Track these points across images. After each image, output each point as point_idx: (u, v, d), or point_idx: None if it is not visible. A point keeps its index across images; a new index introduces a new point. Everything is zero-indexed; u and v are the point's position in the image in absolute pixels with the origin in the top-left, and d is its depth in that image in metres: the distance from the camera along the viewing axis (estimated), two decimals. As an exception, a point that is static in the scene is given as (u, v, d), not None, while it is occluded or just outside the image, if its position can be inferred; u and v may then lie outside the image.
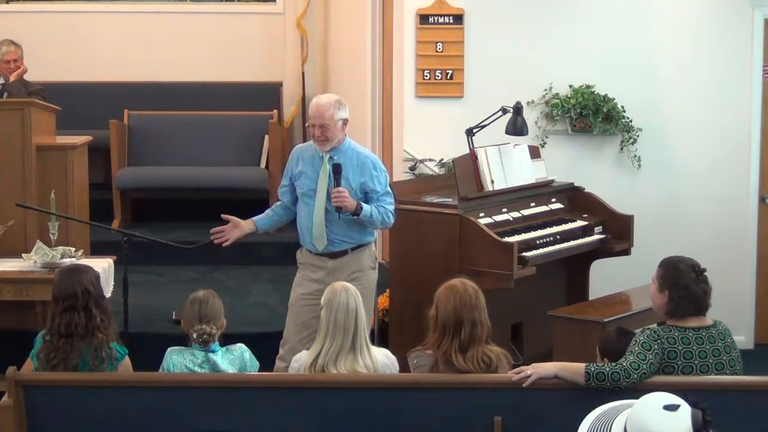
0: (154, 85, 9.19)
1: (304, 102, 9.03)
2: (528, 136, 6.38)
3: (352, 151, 5.40)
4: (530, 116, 6.70)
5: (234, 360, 4.54)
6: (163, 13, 9.49)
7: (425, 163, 6.78)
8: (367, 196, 5.38)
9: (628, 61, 6.96)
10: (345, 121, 5.37)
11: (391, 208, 5.42)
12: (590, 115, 6.85)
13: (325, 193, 5.33)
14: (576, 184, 6.47)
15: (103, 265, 5.77)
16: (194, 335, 4.47)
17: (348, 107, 5.41)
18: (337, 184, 5.28)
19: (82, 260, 5.66)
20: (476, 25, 6.89)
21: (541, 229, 5.98)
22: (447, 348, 4.28)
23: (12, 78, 7.52)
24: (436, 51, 6.88)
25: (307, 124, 5.48)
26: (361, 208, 5.28)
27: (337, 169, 5.29)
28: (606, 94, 6.91)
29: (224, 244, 5.47)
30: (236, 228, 5.47)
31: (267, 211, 5.63)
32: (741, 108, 7.04)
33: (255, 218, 5.55)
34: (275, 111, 8.73)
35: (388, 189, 5.44)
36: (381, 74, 7.62)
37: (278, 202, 5.62)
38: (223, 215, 5.46)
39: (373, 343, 4.71)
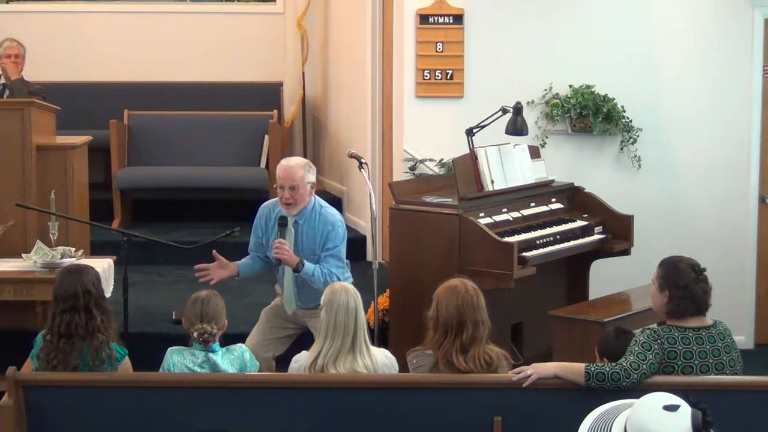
0: (154, 85, 9.20)
1: (304, 102, 9.06)
2: (528, 136, 6.37)
3: (317, 214, 5.40)
4: (530, 116, 6.69)
5: (234, 360, 4.54)
6: (162, 13, 9.50)
7: (425, 163, 6.78)
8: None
9: (628, 61, 6.95)
10: (313, 185, 5.39)
11: (338, 271, 5.35)
12: (590, 115, 6.84)
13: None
14: (576, 184, 6.46)
15: (103, 265, 5.76)
16: (195, 334, 4.47)
17: (315, 171, 5.43)
18: (281, 236, 5.30)
19: (82, 260, 5.66)
20: (476, 25, 6.89)
21: (541, 229, 5.97)
22: (448, 348, 4.28)
23: (12, 76, 7.52)
24: (436, 51, 6.87)
25: (275, 186, 5.42)
26: (303, 264, 5.27)
27: (282, 222, 5.33)
28: (606, 94, 6.90)
29: (210, 283, 5.38)
30: (222, 268, 5.45)
31: (247, 259, 5.59)
32: (741, 108, 7.03)
33: (238, 263, 5.54)
34: (275, 111, 8.72)
35: (339, 252, 5.39)
36: (381, 74, 7.61)
37: (255, 255, 5.59)
38: (214, 252, 5.45)
39: (373, 343, 4.71)
